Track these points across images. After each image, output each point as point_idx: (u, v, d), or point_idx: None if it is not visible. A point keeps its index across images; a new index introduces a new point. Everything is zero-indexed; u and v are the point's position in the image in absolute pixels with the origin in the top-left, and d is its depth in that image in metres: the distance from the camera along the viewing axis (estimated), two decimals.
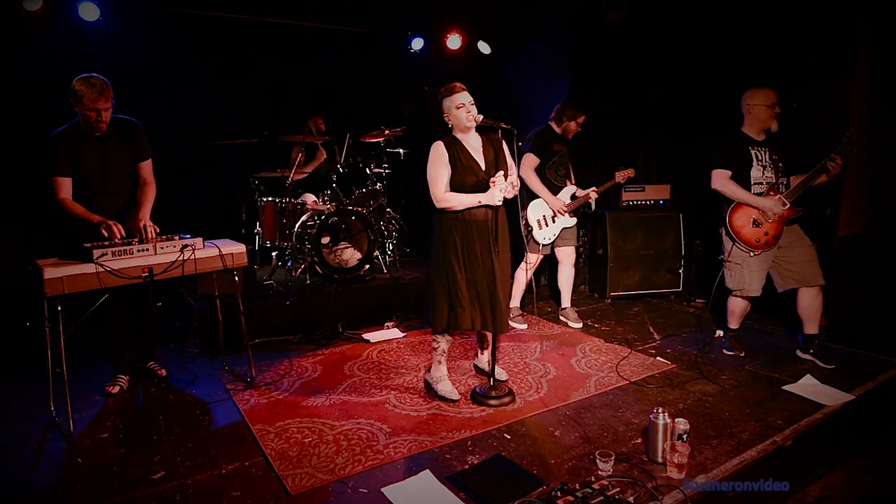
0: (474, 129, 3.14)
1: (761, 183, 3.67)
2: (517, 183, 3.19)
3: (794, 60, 4.70)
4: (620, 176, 4.51)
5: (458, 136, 3.14)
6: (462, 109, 3.05)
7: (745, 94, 3.71)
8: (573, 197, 4.54)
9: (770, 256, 3.70)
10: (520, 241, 4.40)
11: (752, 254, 3.66)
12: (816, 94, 4.71)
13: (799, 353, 3.83)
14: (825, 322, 4.22)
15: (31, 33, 4.68)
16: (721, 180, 3.69)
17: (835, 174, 3.52)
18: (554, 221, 4.51)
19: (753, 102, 3.66)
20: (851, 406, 3.15)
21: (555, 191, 4.50)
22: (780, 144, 3.71)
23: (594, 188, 4.47)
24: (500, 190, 3.02)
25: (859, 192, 4.05)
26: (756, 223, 3.63)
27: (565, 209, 4.46)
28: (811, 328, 3.77)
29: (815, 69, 4.64)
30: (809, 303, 3.72)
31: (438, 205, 3.07)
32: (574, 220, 4.56)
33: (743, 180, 3.66)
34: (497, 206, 3.08)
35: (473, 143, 3.16)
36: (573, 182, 4.64)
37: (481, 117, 3.07)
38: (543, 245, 4.53)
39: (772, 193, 3.63)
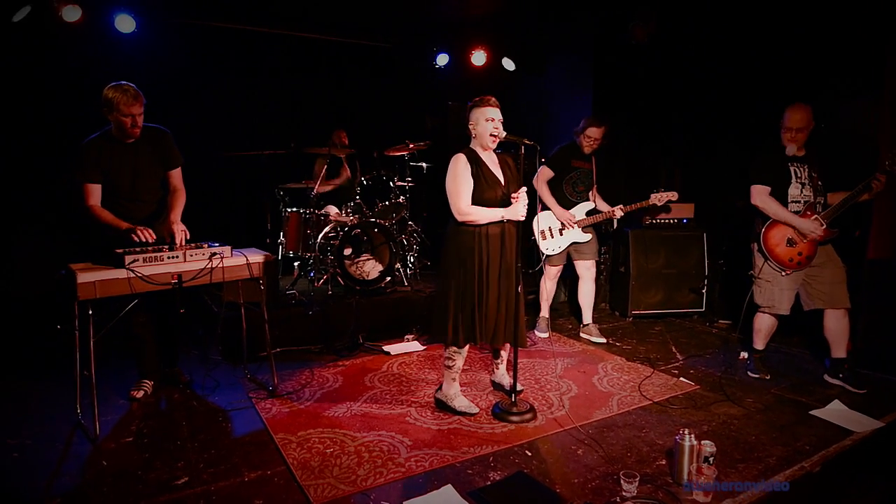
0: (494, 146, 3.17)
1: (798, 201, 3.62)
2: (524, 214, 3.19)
3: (821, 80, 4.67)
4: (657, 198, 4.41)
5: (478, 150, 3.16)
6: (490, 123, 3.08)
7: None
8: (590, 213, 4.54)
9: (801, 275, 3.66)
10: (533, 253, 4.45)
11: (783, 273, 3.63)
12: (845, 114, 4.66)
13: (827, 377, 3.75)
14: (852, 347, 4.15)
15: (69, 43, 4.81)
16: (761, 196, 3.65)
17: (877, 193, 3.45)
18: (561, 234, 4.52)
19: (781, 122, 3.65)
20: (881, 433, 3.08)
21: (567, 206, 4.52)
22: (819, 162, 3.64)
23: (620, 206, 4.44)
24: (524, 205, 3.05)
25: (889, 215, 3.98)
26: (790, 242, 3.59)
27: (574, 222, 4.47)
28: (839, 352, 3.70)
29: (843, 89, 4.60)
30: (835, 325, 3.66)
31: (461, 218, 3.08)
32: (588, 237, 4.54)
33: (780, 197, 3.62)
34: (517, 221, 3.10)
35: (492, 159, 3.20)
36: (594, 199, 4.61)
37: (505, 133, 3.09)
38: (547, 256, 4.54)
39: (808, 213, 3.58)
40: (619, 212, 4.44)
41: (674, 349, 4.47)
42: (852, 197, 3.49)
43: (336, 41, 6.13)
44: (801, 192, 3.62)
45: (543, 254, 4.54)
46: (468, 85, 6.51)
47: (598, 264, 4.74)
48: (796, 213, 3.60)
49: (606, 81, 5.91)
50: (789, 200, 3.62)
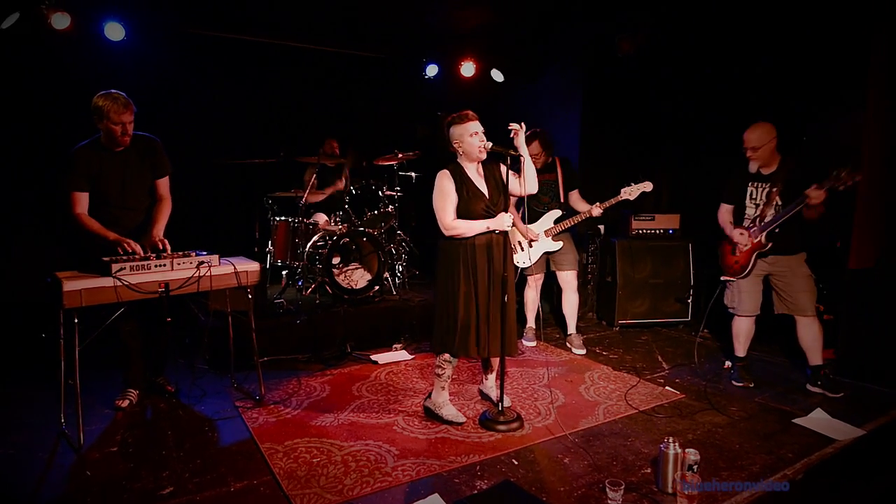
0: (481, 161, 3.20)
1: (749, 218, 3.84)
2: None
3: (805, 92, 4.76)
4: (627, 192, 4.38)
5: (464, 163, 3.19)
6: (476, 137, 3.11)
7: None
8: (559, 219, 4.60)
9: (758, 280, 3.85)
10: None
11: (721, 277, 3.97)
12: (830, 125, 4.76)
13: (809, 386, 3.81)
14: (835, 356, 4.21)
15: (58, 51, 4.80)
16: (720, 211, 4.02)
17: (815, 206, 3.45)
18: (531, 246, 4.60)
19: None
20: (863, 441, 3.12)
21: (535, 217, 4.62)
22: (787, 177, 3.68)
23: (598, 204, 4.46)
24: (510, 215, 3.10)
25: (870, 226, 4.05)
26: (734, 251, 3.87)
27: (533, 235, 4.56)
28: (815, 359, 3.80)
29: (827, 99, 4.69)
30: (804, 332, 3.79)
31: (447, 232, 3.12)
32: (559, 244, 4.59)
33: (739, 213, 3.90)
34: (504, 231, 3.14)
35: (477, 171, 3.23)
36: (575, 204, 4.65)
37: (490, 144, 3.11)
38: (523, 267, 4.62)
39: (751, 226, 3.79)
40: (596, 210, 4.44)
41: (660, 358, 4.51)
42: (789, 210, 3.58)
43: (327, 51, 6.15)
44: (756, 211, 3.80)
45: (518, 266, 4.60)
46: (458, 96, 6.56)
47: (580, 274, 4.79)
48: (745, 227, 3.83)
49: (595, 93, 5.98)
50: (745, 217, 3.87)
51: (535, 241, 4.60)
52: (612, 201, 4.49)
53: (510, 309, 3.19)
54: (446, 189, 3.11)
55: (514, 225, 4.49)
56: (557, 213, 4.64)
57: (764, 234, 3.71)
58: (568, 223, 4.56)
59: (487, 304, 3.15)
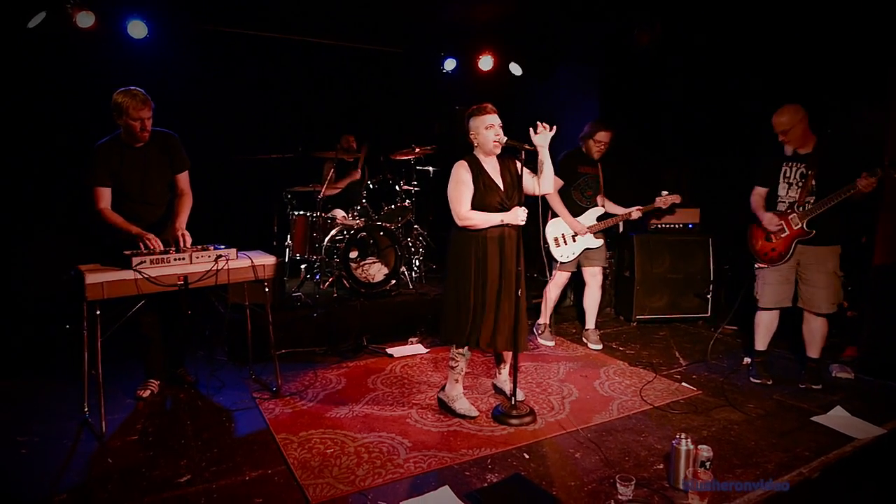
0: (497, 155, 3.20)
1: (784, 201, 3.73)
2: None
3: (828, 84, 4.65)
4: (661, 202, 4.47)
5: (480, 157, 3.20)
6: (491, 130, 3.11)
7: None
8: (602, 217, 4.55)
9: (788, 273, 3.74)
10: (545, 258, 4.46)
11: (757, 265, 3.81)
12: (854, 117, 4.64)
13: (835, 372, 3.83)
14: (857, 353, 4.14)
15: (82, 49, 4.91)
16: (753, 195, 3.88)
17: (866, 193, 3.41)
18: (574, 240, 4.53)
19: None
20: (883, 440, 3.06)
21: (578, 211, 4.52)
22: (824, 160, 3.60)
23: (638, 207, 4.48)
24: (524, 209, 3.09)
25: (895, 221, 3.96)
26: (768, 238, 3.75)
27: (585, 231, 4.48)
28: (812, 351, 3.79)
29: (850, 91, 4.58)
30: (806, 328, 3.78)
31: (461, 223, 3.12)
32: (600, 242, 4.56)
33: (773, 196, 3.77)
34: (517, 226, 3.14)
35: (493, 165, 3.22)
36: (604, 203, 4.63)
37: (505, 139, 3.11)
38: (562, 263, 4.55)
39: (789, 212, 3.67)
40: (636, 213, 4.47)
41: (677, 354, 4.47)
42: (835, 197, 3.49)
43: (345, 46, 6.18)
44: (788, 192, 3.70)
45: (557, 261, 4.56)
46: (475, 90, 6.55)
47: (604, 270, 4.74)
48: (780, 212, 3.70)
49: (613, 87, 5.92)
50: (778, 200, 3.75)
51: (580, 237, 4.54)
52: (650, 207, 4.51)
53: (522, 304, 3.19)
54: (463, 179, 3.12)
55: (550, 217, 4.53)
56: (600, 210, 4.59)
57: (805, 220, 3.60)
58: (611, 222, 4.52)
59: (498, 297, 3.15)
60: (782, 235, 3.68)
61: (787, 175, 3.69)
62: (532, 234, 3.60)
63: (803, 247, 3.66)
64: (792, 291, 3.77)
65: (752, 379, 3.89)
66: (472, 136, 3.19)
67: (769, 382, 3.81)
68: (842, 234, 3.64)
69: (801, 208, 3.63)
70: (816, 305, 3.66)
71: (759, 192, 3.84)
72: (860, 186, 3.36)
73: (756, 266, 3.83)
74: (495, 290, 3.15)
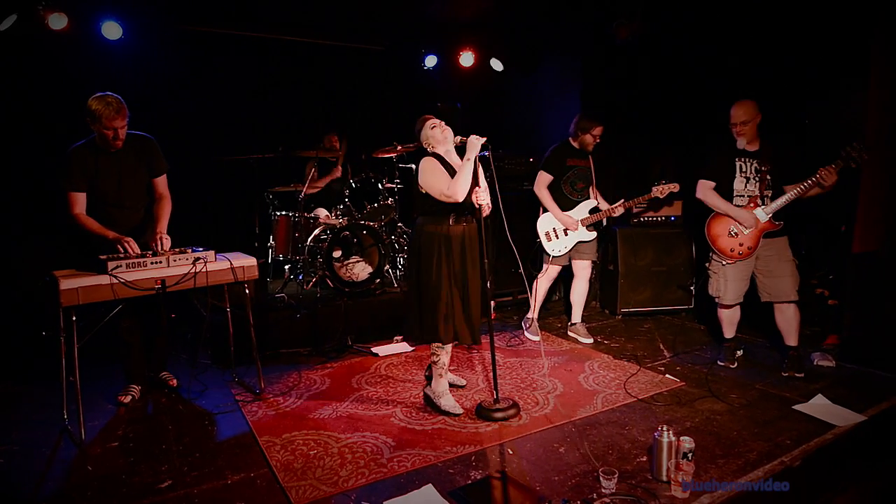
0: (453, 148, 3.32)
1: (743, 195, 3.76)
2: (489, 203, 3.28)
3: (806, 73, 4.68)
4: (659, 191, 4.42)
5: (441, 152, 3.31)
6: (437, 128, 3.28)
7: None
8: (593, 210, 4.55)
9: (748, 267, 3.79)
10: (537, 252, 4.55)
11: (724, 262, 3.80)
12: (831, 108, 4.68)
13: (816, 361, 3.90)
14: (839, 341, 4.18)
15: (55, 51, 4.82)
16: (703, 190, 3.86)
17: (829, 186, 3.46)
18: (566, 234, 4.53)
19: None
20: (863, 427, 3.09)
21: (569, 205, 4.52)
22: (775, 155, 3.69)
23: (622, 202, 4.47)
24: (480, 138, 3.14)
25: (875, 209, 3.99)
26: (732, 233, 3.76)
27: (576, 225, 4.47)
28: (790, 340, 3.83)
29: (828, 82, 4.61)
30: (780, 318, 3.82)
31: (448, 196, 3.12)
32: (593, 235, 4.56)
33: (726, 190, 3.78)
34: (476, 221, 3.25)
35: (455, 161, 3.32)
36: (596, 196, 4.63)
37: (458, 138, 3.24)
38: (553, 257, 4.54)
39: (752, 206, 3.70)
40: (619, 209, 4.46)
41: (661, 346, 4.49)
42: (800, 191, 3.54)
43: (325, 44, 6.14)
44: (746, 186, 3.74)
45: (549, 255, 4.56)
46: (457, 86, 6.52)
47: (593, 263, 4.73)
48: (739, 206, 3.73)
49: (594, 81, 5.91)
50: (734, 194, 3.77)
51: (572, 231, 4.53)
52: (642, 199, 4.49)
53: (489, 297, 3.32)
54: (438, 167, 3.23)
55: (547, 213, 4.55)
56: (593, 202, 4.58)
57: (772, 214, 3.65)
58: (602, 215, 4.51)
59: (463, 293, 3.24)
60: (750, 231, 3.70)
61: (745, 170, 3.74)
62: (519, 230, 3.60)
63: (764, 240, 3.72)
64: (748, 285, 3.83)
65: (718, 362, 4.02)
66: (426, 144, 3.34)
67: (733, 365, 3.95)
68: (789, 225, 3.72)
69: (763, 202, 3.68)
70: (786, 294, 3.72)
71: (709, 186, 3.82)
72: (824, 177, 3.41)
73: (723, 263, 3.81)
74: (460, 284, 3.23)
